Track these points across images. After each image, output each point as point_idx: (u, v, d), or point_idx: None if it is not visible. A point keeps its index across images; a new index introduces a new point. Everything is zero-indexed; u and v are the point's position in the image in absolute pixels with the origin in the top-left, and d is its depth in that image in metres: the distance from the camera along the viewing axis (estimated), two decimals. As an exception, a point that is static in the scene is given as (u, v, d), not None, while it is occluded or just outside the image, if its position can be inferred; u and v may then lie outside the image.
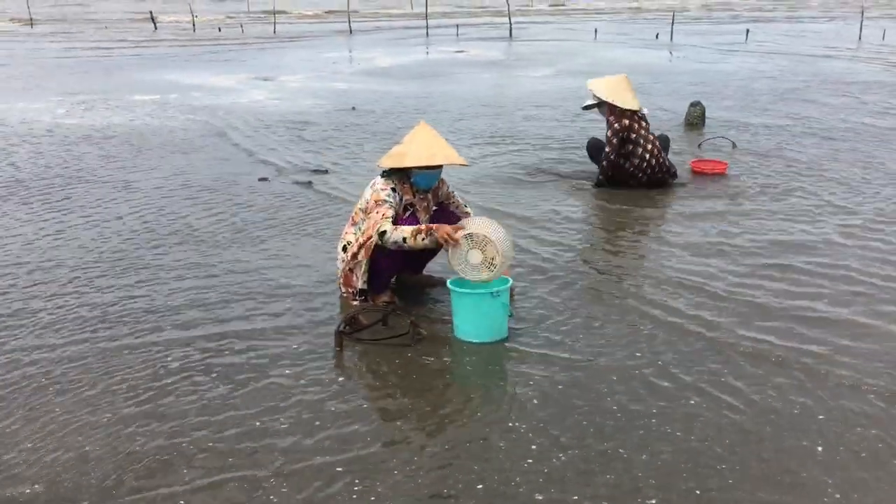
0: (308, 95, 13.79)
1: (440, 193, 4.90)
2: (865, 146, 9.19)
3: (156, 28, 32.51)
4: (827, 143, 9.35)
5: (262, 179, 7.89)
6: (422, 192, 4.76)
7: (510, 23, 30.03)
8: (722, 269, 5.26)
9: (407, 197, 4.67)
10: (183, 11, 38.54)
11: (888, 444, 3.24)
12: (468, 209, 5.04)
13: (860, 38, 25.30)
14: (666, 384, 3.73)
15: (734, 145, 9.10)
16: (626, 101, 7.13)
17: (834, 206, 6.73)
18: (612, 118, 7.16)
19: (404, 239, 4.33)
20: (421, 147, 4.55)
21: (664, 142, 7.64)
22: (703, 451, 3.20)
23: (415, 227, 4.38)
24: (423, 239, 4.32)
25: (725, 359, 3.99)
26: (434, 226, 4.33)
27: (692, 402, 3.58)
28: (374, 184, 4.66)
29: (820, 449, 3.21)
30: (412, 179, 4.67)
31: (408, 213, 4.68)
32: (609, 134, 7.20)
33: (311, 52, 22.44)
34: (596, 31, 28.85)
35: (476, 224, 4.35)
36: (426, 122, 4.81)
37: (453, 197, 4.99)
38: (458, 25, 31.38)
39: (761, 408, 3.53)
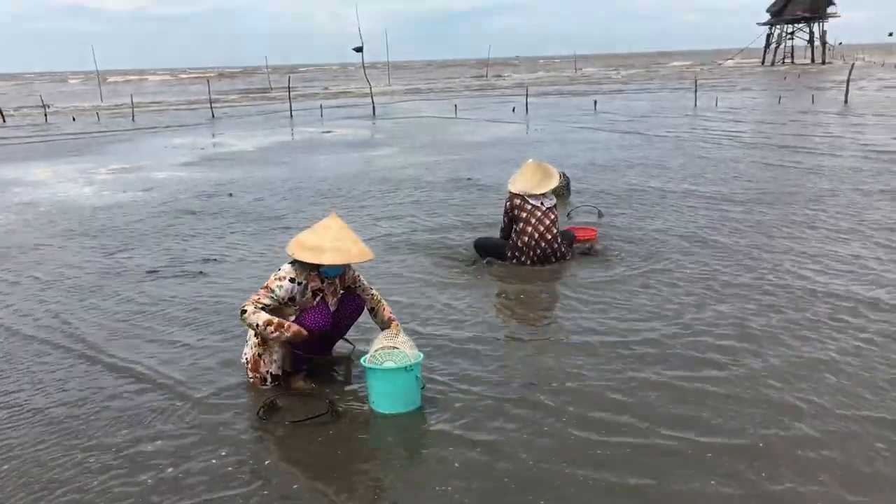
0: (175, 183, 13.69)
1: (347, 278, 5.12)
2: (726, 207, 10.13)
3: (3, 121, 31.26)
4: (684, 203, 10.23)
5: (151, 272, 7.82)
6: (330, 278, 4.96)
7: (373, 102, 30.89)
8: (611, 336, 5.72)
9: (314, 284, 4.85)
10: (34, 104, 37.22)
11: None
12: (374, 291, 5.27)
13: (696, 104, 27.68)
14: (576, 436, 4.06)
15: (600, 213, 9.79)
16: (515, 185, 7.72)
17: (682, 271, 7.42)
18: (507, 199, 7.78)
19: (257, 325, 4.55)
20: (337, 244, 4.74)
21: (566, 236, 8.10)
22: None
23: (269, 318, 4.56)
24: (273, 332, 4.55)
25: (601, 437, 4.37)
26: (286, 323, 4.58)
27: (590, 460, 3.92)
28: (279, 268, 4.82)
29: None
30: (321, 269, 4.87)
31: (317, 299, 4.86)
32: (503, 211, 7.85)
33: (178, 139, 22.23)
34: (456, 106, 30.10)
35: (380, 341, 4.61)
36: (328, 210, 5.04)
37: (359, 280, 5.21)
38: (321, 106, 31.92)
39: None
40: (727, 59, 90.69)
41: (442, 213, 10.27)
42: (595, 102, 29.26)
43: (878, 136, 16.83)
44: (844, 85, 28.27)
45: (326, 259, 4.70)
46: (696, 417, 4.23)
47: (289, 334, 4.55)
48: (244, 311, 4.56)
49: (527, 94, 30.39)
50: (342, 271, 5.01)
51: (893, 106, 24.88)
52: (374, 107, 30.45)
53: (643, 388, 4.63)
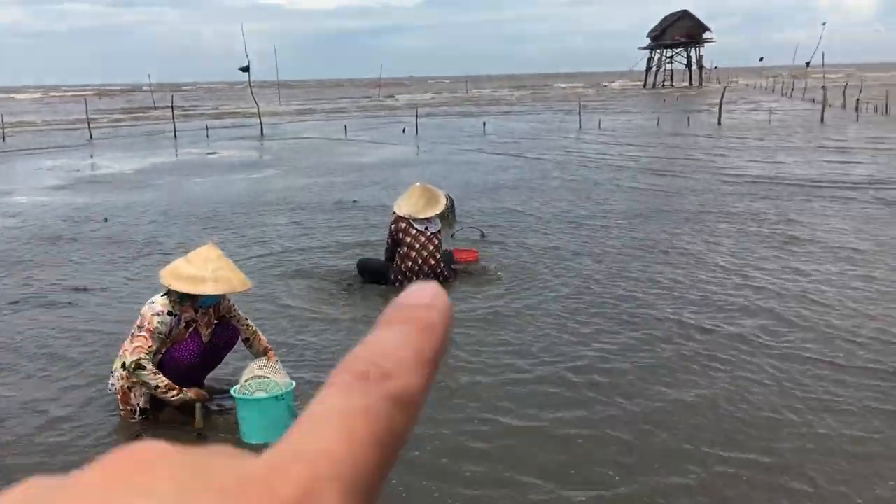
0: (43, 209, 13.09)
1: (221, 308, 5.02)
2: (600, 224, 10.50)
3: None
4: (556, 226, 10.55)
5: (13, 303, 7.43)
6: (205, 307, 4.85)
7: (261, 123, 30.45)
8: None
9: (188, 315, 4.74)
10: None
11: None
12: (249, 321, 5.18)
13: (580, 126, 28.63)
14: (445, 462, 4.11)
15: (482, 234, 9.97)
16: (401, 208, 7.78)
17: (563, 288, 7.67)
18: (392, 221, 7.82)
19: (157, 387, 4.47)
20: (218, 273, 4.64)
21: (447, 255, 8.20)
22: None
23: (170, 382, 4.50)
24: (175, 396, 4.50)
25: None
26: (186, 390, 4.54)
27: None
28: (152, 301, 4.68)
29: None
30: (199, 300, 4.74)
31: (190, 330, 4.75)
32: (387, 234, 7.91)
33: (50, 161, 21.25)
34: (346, 127, 30.04)
35: (252, 370, 4.56)
36: (207, 236, 4.94)
37: (234, 310, 5.11)
38: (207, 126, 31.22)
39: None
40: (612, 82, 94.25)
41: (324, 236, 10.22)
42: (484, 124, 29.80)
43: (737, 161, 17.77)
44: (717, 108, 29.84)
45: (207, 289, 4.60)
46: (563, 465, 4.05)
47: (191, 395, 4.50)
48: (140, 367, 4.42)
49: (416, 116, 30.63)
50: (218, 301, 4.91)
51: (757, 128, 26.41)
52: (262, 127, 30.02)
53: (508, 434, 4.40)
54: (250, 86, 31.63)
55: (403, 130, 28.88)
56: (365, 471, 0.26)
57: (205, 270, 4.64)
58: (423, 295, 0.31)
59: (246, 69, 29.93)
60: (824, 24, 42.20)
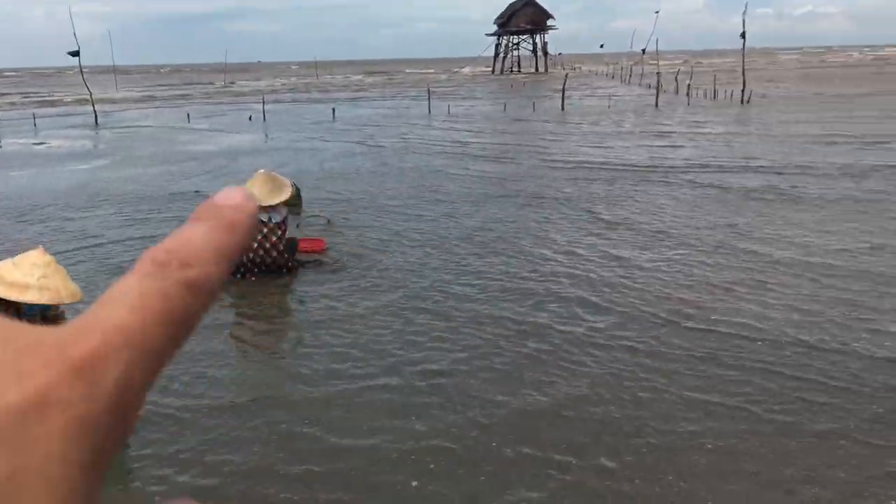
0: None
1: (49, 315, 4.59)
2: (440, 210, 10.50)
3: None
4: (396, 210, 10.50)
5: None
6: (28, 316, 4.40)
7: (94, 110, 28.65)
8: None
9: (7, 322, 4.27)
10: None
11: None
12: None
13: (430, 112, 28.75)
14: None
15: (329, 222, 9.75)
16: None
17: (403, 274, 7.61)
18: None
19: None
20: (45, 282, 4.21)
21: (289, 243, 7.88)
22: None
23: None
24: None
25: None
26: None
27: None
28: None
29: None
30: (23, 308, 4.31)
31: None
32: None
33: None
34: (189, 115, 28.79)
35: None
36: (31, 234, 4.48)
37: (63, 318, 4.69)
38: (34, 115, 29.05)
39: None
40: (462, 68, 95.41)
41: (157, 229, 9.66)
42: (334, 110, 29.37)
43: (574, 146, 18.31)
44: (560, 94, 30.78)
45: (30, 297, 4.20)
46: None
47: None
48: None
49: (263, 102, 29.79)
50: (47, 309, 4.48)
51: (596, 113, 27.41)
52: (96, 116, 28.24)
53: (331, 455, 4.13)
54: (81, 71, 29.67)
55: (250, 118, 27.99)
56: (154, 345, 0.28)
57: (31, 277, 4.25)
58: (233, 196, 0.33)
59: (76, 53, 28.00)
60: (657, 12, 44.45)
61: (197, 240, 0.32)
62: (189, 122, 27.01)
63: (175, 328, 0.29)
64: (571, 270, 7.42)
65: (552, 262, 7.79)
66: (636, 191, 11.67)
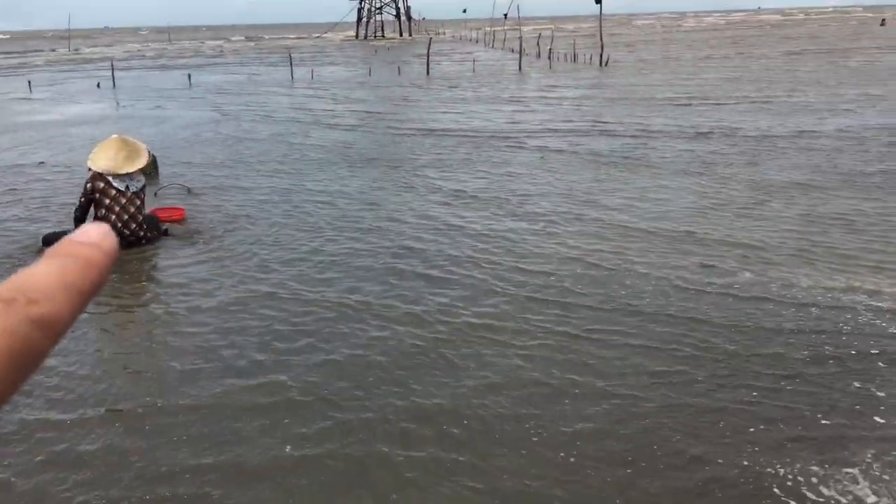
0: None
1: None
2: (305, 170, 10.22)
3: None
4: (262, 177, 10.15)
5: None
6: None
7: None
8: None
9: None
10: None
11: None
12: None
13: (293, 78, 27.99)
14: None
15: (189, 191, 9.30)
16: (96, 163, 6.90)
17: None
18: (87, 179, 6.93)
19: None
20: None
21: (150, 220, 7.38)
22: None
23: None
24: None
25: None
26: None
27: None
28: None
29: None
30: None
31: None
32: (81, 192, 7.05)
33: None
34: (30, 83, 26.79)
35: None
36: None
37: None
38: None
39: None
40: (325, 33, 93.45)
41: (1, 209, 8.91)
42: (189, 76, 28.08)
43: (438, 114, 18.36)
44: (425, 59, 30.69)
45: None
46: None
47: None
48: None
49: (112, 69, 28.10)
50: None
51: (457, 77, 27.49)
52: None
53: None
54: None
55: (98, 85, 26.35)
56: None
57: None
58: (91, 235, 0.34)
59: None
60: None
61: (46, 276, 0.31)
62: (31, 91, 25.13)
63: (20, 364, 0.29)
64: (407, 242, 7.16)
65: (381, 231, 7.51)
66: (489, 156, 11.54)
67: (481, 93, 21.87)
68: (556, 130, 13.99)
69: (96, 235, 0.33)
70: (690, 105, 16.91)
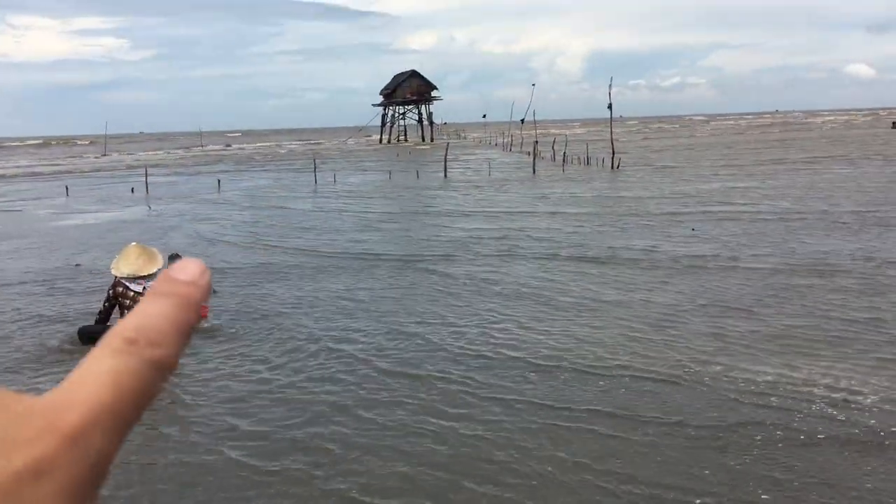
0: None
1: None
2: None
3: None
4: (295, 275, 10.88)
5: None
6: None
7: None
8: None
9: None
10: None
11: None
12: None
13: (316, 182, 29.23)
14: None
15: (214, 291, 10.02)
16: (119, 269, 7.77)
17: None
18: (110, 286, 7.92)
19: None
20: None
21: None
22: None
23: None
24: None
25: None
26: None
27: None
28: None
29: None
30: None
31: None
32: (104, 297, 7.99)
33: None
34: (67, 188, 28.21)
35: None
36: None
37: None
38: None
39: None
40: (349, 139, 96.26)
41: (41, 306, 9.68)
42: (219, 181, 29.43)
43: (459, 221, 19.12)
44: (443, 163, 31.87)
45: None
46: None
47: None
48: None
49: (146, 174, 29.55)
50: None
51: (474, 182, 28.48)
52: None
53: None
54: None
55: (132, 190, 27.72)
56: (126, 418, 0.32)
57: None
58: (188, 272, 0.36)
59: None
60: (534, 84, 47.07)
61: (160, 319, 0.34)
62: (68, 195, 26.49)
63: (142, 402, 0.33)
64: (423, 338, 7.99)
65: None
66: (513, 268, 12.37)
67: (495, 205, 22.81)
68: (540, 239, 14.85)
69: (194, 272, 0.36)
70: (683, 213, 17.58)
